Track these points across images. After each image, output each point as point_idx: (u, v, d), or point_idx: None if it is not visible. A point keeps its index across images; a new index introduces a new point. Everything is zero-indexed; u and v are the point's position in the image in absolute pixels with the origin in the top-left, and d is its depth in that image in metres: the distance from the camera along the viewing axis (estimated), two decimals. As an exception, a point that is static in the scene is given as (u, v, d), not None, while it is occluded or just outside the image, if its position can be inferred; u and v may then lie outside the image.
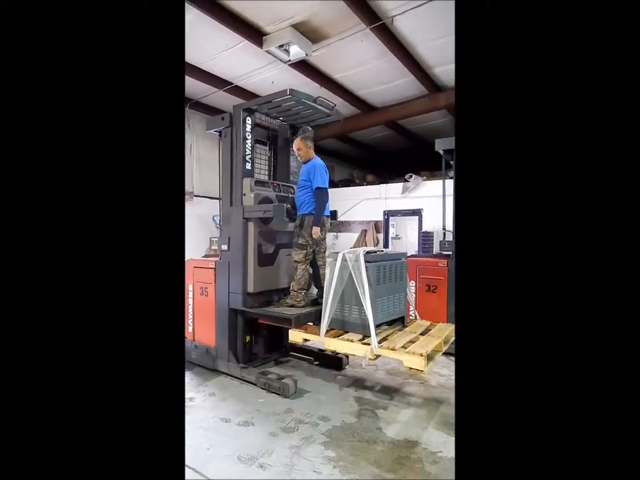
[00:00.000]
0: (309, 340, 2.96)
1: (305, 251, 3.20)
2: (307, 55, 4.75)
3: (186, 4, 3.88)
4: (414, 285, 4.15)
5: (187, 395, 2.98)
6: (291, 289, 3.30)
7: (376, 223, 8.02)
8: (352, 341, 2.72)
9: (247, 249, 3.22)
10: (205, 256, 4.37)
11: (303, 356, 3.90)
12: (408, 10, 4.06)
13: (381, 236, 7.90)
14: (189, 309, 3.61)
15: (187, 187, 6.54)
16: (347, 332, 2.86)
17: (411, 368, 2.47)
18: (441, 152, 4.08)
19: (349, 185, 9.01)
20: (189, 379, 3.33)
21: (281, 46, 4.59)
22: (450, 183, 4.17)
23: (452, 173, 4.10)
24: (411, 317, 3.39)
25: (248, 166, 3.28)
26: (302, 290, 3.25)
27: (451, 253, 4.04)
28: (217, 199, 6.85)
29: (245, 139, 3.24)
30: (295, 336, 2.96)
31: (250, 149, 3.30)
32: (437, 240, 5.99)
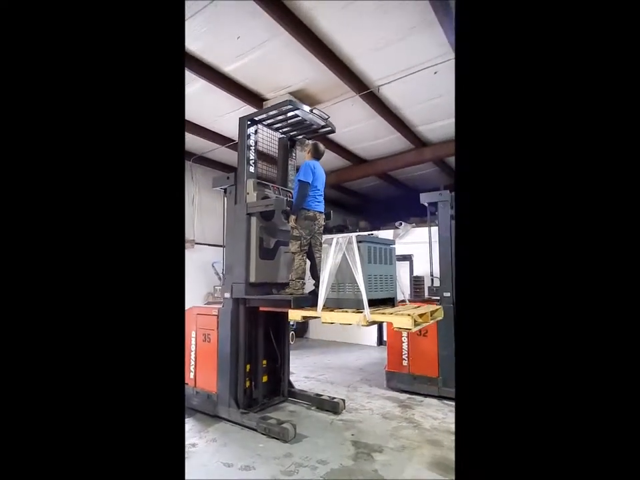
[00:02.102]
0: (308, 318, 3.08)
1: (300, 242, 3.47)
2: (302, 117, 5.24)
3: (194, 75, 4.40)
4: (406, 329, 4.35)
5: (190, 440, 3.08)
6: (290, 278, 3.53)
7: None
8: (346, 311, 2.90)
9: (250, 242, 3.54)
10: (207, 303, 4.56)
11: (301, 401, 4.01)
12: (392, 81, 4.62)
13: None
14: (191, 356, 3.76)
15: (189, 235, 6.84)
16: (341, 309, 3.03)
17: (400, 328, 2.61)
18: (426, 204, 4.46)
19: (342, 231, 9.37)
20: (191, 425, 3.42)
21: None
22: (435, 231, 4.51)
23: (437, 222, 4.45)
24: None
25: (251, 169, 3.73)
26: (299, 279, 3.48)
27: (439, 297, 4.28)
28: (218, 245, 7.16)
29: (249, 145, 3.73)
30: (294, 315, 3.11)
31: (253, 154, 3.78)
32: (427, 284, 6.23)
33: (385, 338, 6.45)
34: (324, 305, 2.98)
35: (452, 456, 2.71)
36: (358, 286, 2.83)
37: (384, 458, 2.80)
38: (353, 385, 4.79)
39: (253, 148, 3.79)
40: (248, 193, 3.62)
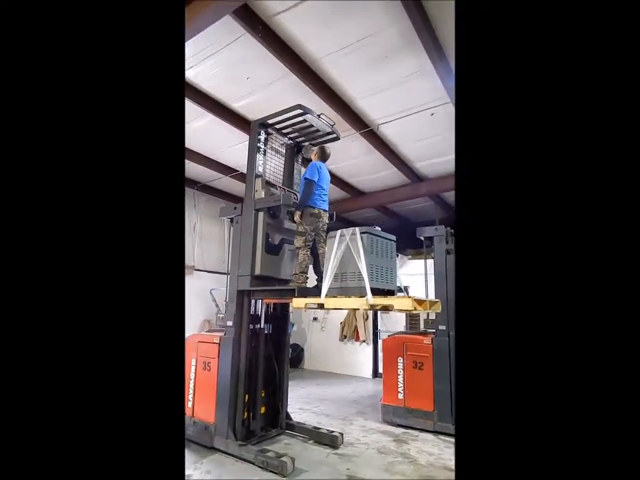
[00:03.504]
0: (312, 307, 3.11)
1: (304, 237, 3.59)
2: (305, 151, 5.47)
3: (202, 110, 4.62)
4: (402, 361, 4.39)
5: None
6: (293, 272, 3.62)
7: (365, 297, 8.30)
8: (349, 297, 2.96)
9: (257, 236, 3.67)
10: (209, 331, 4.59)
11: (298, 434, 3.97)
12: (391, 120, 4.88)
13: (370, 311, 8.14)
14: (190, 384, 3.75)
15: (189, 262, 6.91)
16: None
17: (401, 309, 2.69)
18: (422, 238, 4.62)
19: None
20: (186, 456, 3.37)
21: (282, 144, 5.32)
22: (430, 264, 4.64)
23: (433, 254, 4.58)
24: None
25: (260, 169, 3.94)
26: (303, 273, 3.56)
27: (435, 330, 4.35)
28: (217, 272, 7.24)
29: (258, 147, 3.97)
30: (298, 302, 3.18)
31: (262, 156, 4.01)
32: (423, 317, 6.30)
33: (380, 370, 6.44)
34: (327, 295, 3.06)
35: (449, 492, 2.70)
36: (361, 274, 2.93)
37: (381, 493, 2.80)
38: (349, 417, 4.76)
39: (262, 149, 4.02)
40: (256, 191, 3.81)
